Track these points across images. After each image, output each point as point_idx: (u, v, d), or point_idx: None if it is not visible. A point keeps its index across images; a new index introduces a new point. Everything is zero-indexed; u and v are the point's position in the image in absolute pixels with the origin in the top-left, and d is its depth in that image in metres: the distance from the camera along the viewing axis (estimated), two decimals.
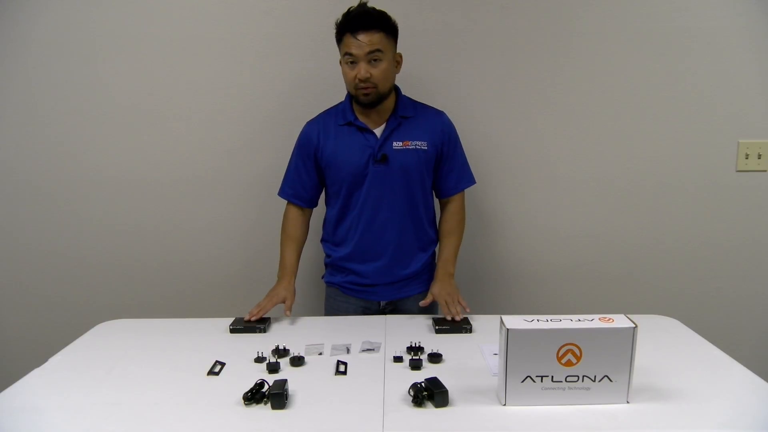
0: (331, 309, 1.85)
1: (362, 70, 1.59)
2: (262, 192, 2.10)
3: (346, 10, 1.64)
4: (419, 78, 2.01)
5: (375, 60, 1.59)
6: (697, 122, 2.08)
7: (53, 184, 2.10)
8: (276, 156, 2.01)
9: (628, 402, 1.16)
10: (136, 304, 2.18)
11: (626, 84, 2.05)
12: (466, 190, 1.84)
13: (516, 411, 1.14)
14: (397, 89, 1.74)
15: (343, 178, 1.71)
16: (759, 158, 2.11)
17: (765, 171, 2.12)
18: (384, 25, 1.60)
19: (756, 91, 2.06)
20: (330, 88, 1.99)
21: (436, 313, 1.75)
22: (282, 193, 1.81)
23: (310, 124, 1.77)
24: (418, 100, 1.79)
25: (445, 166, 1.77)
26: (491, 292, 2.21)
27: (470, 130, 2.00)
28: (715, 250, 2.18)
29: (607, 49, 2.03)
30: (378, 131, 1.69)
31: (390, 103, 1.70)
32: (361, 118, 1.70)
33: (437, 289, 1.69)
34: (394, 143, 1.68)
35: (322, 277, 1.89)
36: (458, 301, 1.64)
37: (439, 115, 1.77)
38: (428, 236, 1.80)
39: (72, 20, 1.98)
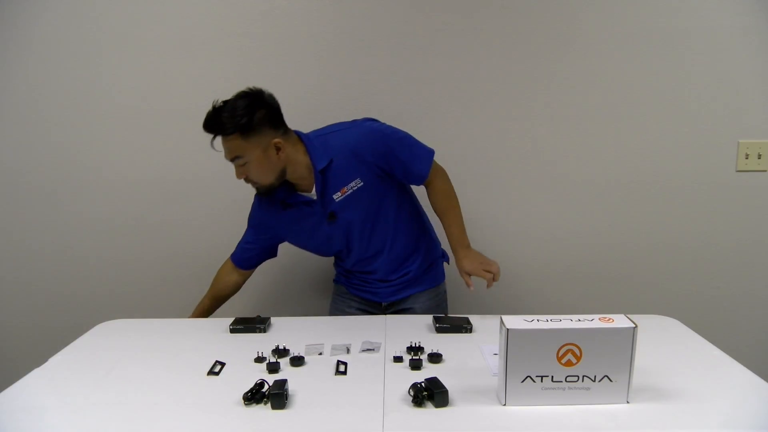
0: (335, 305, 1.87)
1: (236, 172, 1.55)
2: None
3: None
4: (419, 78, 2.01)
5: (240, 164, 1.52)
6: (697, 122, 2.08)
7: (53, 183, 2.10)
8: None
9: (628, 402, 1.16)
10: (136, 304, 2.18)
11: (626, 84, 2.05)
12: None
13: (516, 411, 1.14)
14: (305, 142, 1.59)
15: (314, 249, 1.75)
16: (759, 158, 2.11)
17: (765, 171, 2.13)
18: (234, 127, 1.47)
19: (756, 91, 2.06)
20: (331, 90, 1.99)
21: (443, 312, 1.74)
22: (232, 257, 1.82)
23: (258, 205, 1.73)
24: (329, 124, 1.68)
25: (399, 169, 1.62)
26: (491, 292, 2.20)
27: (469, 130, 2.00)
28: (715, 250, 2.18)
29: (606, 50, 2.03)
30: (313, 193, 1.62)
31: (303, 161, 1.58)
32: (295, 189, 1.63)
33: (467, 266, 1.63)
34: (333, 196, 1.59)
35: (334, 280, 1.91)
36: (489, 269, 1.60)
37: (351, 136, 1.59)
38: (414, 234, 1.76)
39: (72, 20, 1.98)
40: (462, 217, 1.71)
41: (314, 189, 1.60)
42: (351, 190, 1.59)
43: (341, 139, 1.59)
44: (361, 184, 1.59)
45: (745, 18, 2.00)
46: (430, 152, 1.66)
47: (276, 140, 1.52)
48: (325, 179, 1.58)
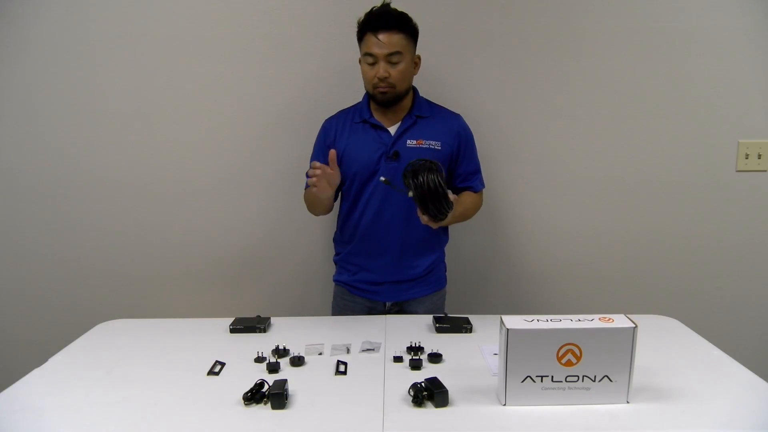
0: (338, 308, 1.87)
1: (381, 69, 1.62)
2: (260, 193, 2.11)
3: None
4: (419, 78, 2.00)
5: (394, 62, 1.62)
6: (697, 122, 2.08)
7: (53, 185, 2.10)
8: (276, 157, 2.01)
9: (628, 402, 1.16)
10: (136, 304, 2.18)
11: (626, 84, 2.05)
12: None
13: (516, 411, 1.14)
14: (414, 90, 1.77)
15: (354, 173, 1.72)
16: (759, 158, 2.11)
17: (765, 171, 2.13)
18: (405, 26, 1.62)
19: (756, 91, 2.06)
20: (331, 90, 1.99)
21: (442, 313, 1.74)
22: (306, 186, 1.77)
23: (329, 120, 1.80)
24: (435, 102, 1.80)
25: (461, 169, 1.77)
26: (491, 292, 2.21)
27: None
28: (715, 250, 2.18)
29: (607, 50, 2.03)
30: (392, 129, 1.72)
31: (407, 102, 1.73)
32: (377, 116, 1.73)
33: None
34: (408, 141, 1.70)
35: (335, 280, 1.89)
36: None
37: (456, 117, 1.79)
38: (437, 236, 1.80)
39: (71, 22, 1.98)
40: (460, 214, 1.73)
41: (397, 125, 1.71)
42: (427, 145, 1.71)
43: (447, 112, 1.79)
44: (438, 147, 1.71)
45: (746, 18, 2.00)
46: (483, 185, 1.85)
47: (418, 55, 1.70)
48: (414, 125, 1.72)
